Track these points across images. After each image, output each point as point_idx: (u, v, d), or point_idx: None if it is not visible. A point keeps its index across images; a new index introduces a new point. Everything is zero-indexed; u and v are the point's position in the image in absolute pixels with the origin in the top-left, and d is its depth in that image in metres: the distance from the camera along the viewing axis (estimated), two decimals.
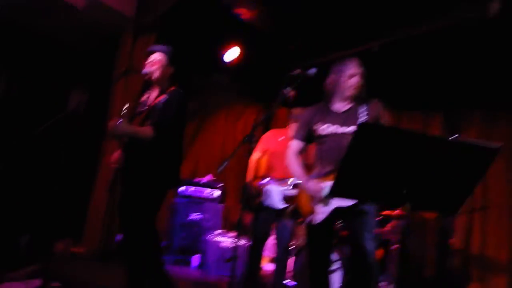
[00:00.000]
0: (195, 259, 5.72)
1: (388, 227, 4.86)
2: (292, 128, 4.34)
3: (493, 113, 6.13)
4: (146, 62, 3.48)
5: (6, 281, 3.49)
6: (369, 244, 2.75)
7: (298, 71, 2.92)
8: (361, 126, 1.58)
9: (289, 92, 2.94)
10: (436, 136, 2.23)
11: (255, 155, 4.45)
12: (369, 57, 5.56)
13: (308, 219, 2.95)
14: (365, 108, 2.93)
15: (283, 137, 4.39)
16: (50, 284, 3.31)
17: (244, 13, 5.62)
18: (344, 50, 5.82)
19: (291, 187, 4.10)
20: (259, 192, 4.24)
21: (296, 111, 4.41)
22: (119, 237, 5.30)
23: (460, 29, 4.78)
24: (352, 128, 2.89)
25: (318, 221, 2.88)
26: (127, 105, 3.31)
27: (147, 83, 3.61)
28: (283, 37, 6.00)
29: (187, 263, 5.72)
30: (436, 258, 6.03)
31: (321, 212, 2.87)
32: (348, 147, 1.60)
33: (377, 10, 4.97)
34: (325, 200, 2.83)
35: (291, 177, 4.14)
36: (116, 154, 3.38)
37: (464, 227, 6.10)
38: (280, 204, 4.17)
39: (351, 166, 1.69)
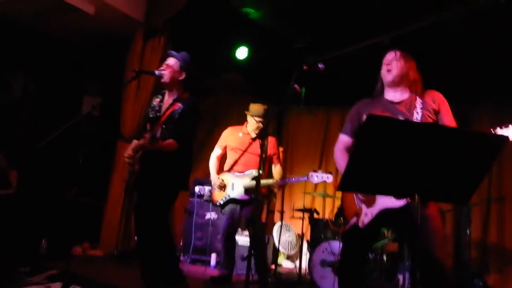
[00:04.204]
0: (213, 259, 5.74)
1: None
2: (250, 124, 4.63)
3: (506, 101, 6.08)
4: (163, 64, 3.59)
5: (26, 285, 3.54)
6: (441, 253, 2.42)
7: (305, 67, 2.91)
8: (369, 119, 1.57)
9: (297, 87, 2.93)
10: (444, 126, 2.21)
11: (216, 152, 4.75)
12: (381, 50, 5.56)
13: (352, 221, 2.63)
14: (422, 100, 2.65)
15: (241, 134, 4.65)
16: (70, 287, 3.35)
17: (251, 13, 5.65)
18: (354, 44, 5.80)
19: (251, 179, 4.32)
20: (224, 186, 4.52)
21: (254, 107, 4.63)
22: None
23: (470, 17, 4.74)
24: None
25: (364, 224, 2.55)
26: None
27: (158, 85, 3.70)
28: (291, 35, 6.00)
29: (204, 262, 5.74)
30: (453, 250, 5.98)
31: (367, 214, 2.55)
32: (356, 139, 1.59)
33: (387, 2, 4.95)
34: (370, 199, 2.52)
35: (250, 170, 4.42)
36: (129, 150, 3.47)
37: (481, 218, 6.04)
38: (242, 196, 4.43)
39: (360, 159, 1.68)
